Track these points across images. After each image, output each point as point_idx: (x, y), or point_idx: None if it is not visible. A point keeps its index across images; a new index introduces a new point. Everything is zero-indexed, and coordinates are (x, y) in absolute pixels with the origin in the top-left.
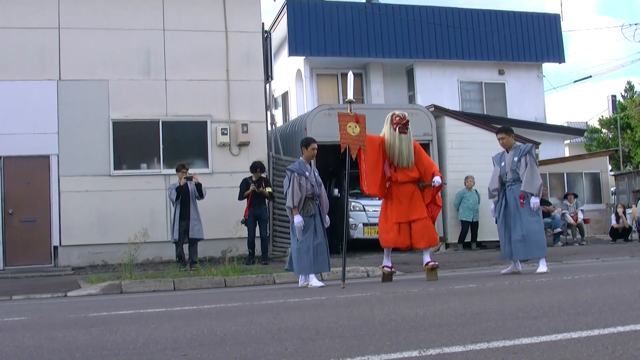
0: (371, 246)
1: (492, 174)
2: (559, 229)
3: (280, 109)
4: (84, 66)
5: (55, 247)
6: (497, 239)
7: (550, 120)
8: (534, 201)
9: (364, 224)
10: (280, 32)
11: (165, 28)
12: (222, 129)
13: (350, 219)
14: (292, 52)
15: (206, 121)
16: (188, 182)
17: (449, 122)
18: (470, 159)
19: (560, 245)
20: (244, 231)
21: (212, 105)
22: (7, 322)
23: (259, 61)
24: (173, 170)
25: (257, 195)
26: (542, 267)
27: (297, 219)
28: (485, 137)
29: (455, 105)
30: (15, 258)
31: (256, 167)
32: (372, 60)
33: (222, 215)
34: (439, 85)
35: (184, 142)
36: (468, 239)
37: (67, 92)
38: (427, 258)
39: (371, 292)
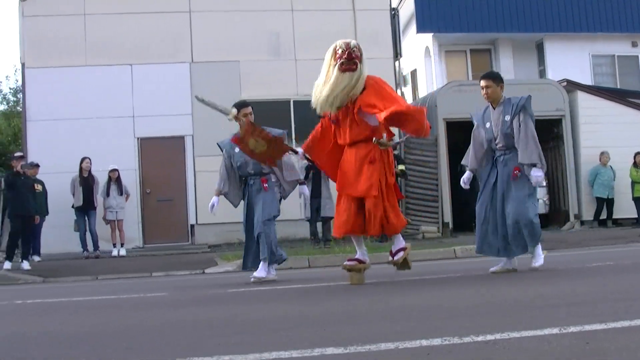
0: None
1: (472, 142)
2: None
3: (408, 86)
4: (215, 48)
5: (192, 226)
6: (635, 216)
7: None
8: (537, 174)
9: None
10: (407, 9)
11: (293, 8)
12: None
13: None
14: (420, 29)
15: None
16: None
17: (581, 97)
18: (604, 134)
19: None
20: None
21: None
22: (149, 298)
23: (387, 39)
24: None
25: None
26: (539, 259)
27: (212, 200)
28: (619, 111)
29: (587, 80)
30: (154, 236)
31: None
32: (500, 36)
33: None
34: (570, 59)
35: (315, 121)
36: (603, 216)
37: (200, 74)
38: (396, 245)
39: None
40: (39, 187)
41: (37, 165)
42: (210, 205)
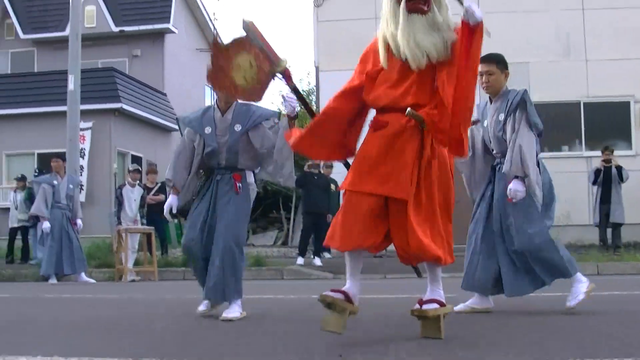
0: None
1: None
2: None
3: None
4: (504, 49)
5: None
6: None
7: None
8: (515, 187)
9: None
10: None
11: (584, 7)
12: None
13: None
14: None
15: (629, 102)
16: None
17: None
18: None
19: None
20: None
21: (634, 85)
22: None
23: None
24: (595, 153)
25: None
26: (578, 295)
27: (170, 200)
28: None
29: None
30: None
31: None
32: None
33: None
34: None
35: (606, 123)
36: None
37: None
38: (428, 292)
39: None
40: (333, 187)
41: (331, 166)
42: (167, 207)
